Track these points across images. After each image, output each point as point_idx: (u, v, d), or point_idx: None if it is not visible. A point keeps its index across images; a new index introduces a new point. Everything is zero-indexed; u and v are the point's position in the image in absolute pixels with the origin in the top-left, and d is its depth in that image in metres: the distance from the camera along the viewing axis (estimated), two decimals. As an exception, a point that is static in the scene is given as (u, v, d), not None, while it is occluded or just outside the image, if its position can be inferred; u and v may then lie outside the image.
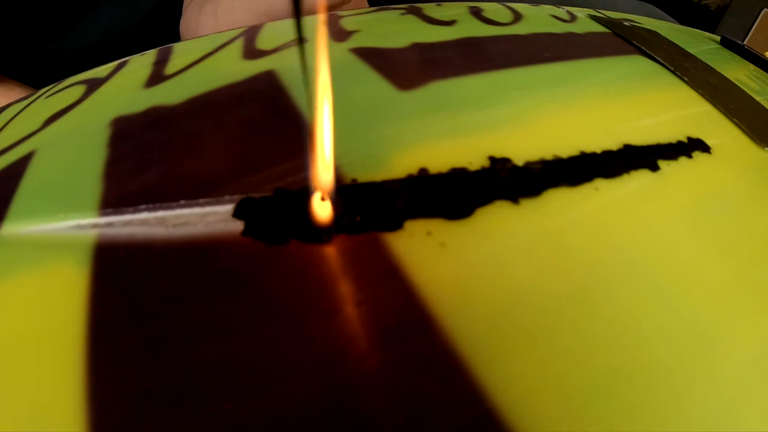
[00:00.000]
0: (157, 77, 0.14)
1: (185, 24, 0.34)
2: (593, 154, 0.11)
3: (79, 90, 0.15)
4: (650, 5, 0.52)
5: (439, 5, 0.18)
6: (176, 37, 0.36)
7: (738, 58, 0.19)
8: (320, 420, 0.07)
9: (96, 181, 0.10)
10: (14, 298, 0.09)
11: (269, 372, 0.07)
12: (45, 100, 0.15)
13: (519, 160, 0.10)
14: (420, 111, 0.11)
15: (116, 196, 0.10)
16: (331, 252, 0.08)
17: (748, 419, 0.08)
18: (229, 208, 0.09)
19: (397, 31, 0.15)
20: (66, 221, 0.10)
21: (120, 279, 0.08)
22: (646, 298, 0.09)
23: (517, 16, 0.17)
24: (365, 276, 0.08)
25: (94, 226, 0.09)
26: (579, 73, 0.14)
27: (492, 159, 0.10)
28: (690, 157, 0.11)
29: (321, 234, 0.09)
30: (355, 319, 0.08)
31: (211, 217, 0.09)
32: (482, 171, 0.10)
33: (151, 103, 0.12)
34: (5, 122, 0.15)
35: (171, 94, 0.13)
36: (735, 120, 0.13)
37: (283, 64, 0.13)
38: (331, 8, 0.29)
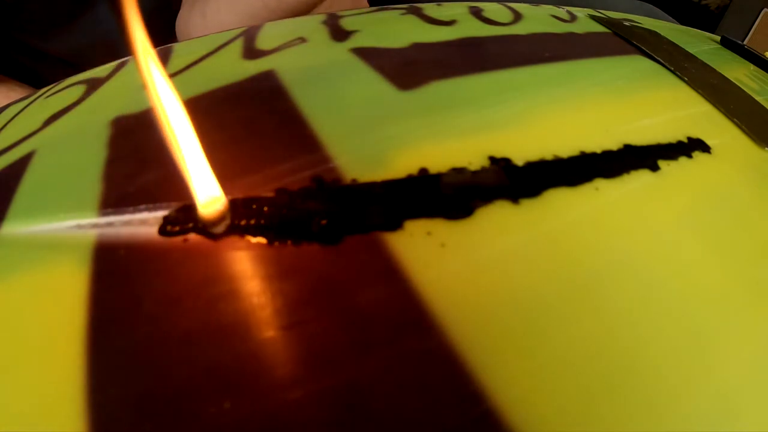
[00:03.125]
0: (157, 77, 0.14)
1: (179, 23, 0.34)
2: (593, 154, 0.11)
3: (79, 90, 0.15)
4: (650, 5, 0.52)
5: (439, 5, 0.18)
6: (176, 37, 0.36)
7: (738, 58, 0.19)
8: (320, 419, 0.07)
9: (96, 181, 0.10)
10: (14, 298, 0.09)
11: (269, 372, 0.07)
12: (45, 100, 0.15)
13: (519, 160, 0.10)
14: (420, 111, 0.11)
15: (116, 196, 0.10)
16: (330, 252, 0.08)
17: (747, 419, 0.08)
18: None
19: (397, 31, 0.15)
20: (66, 221, 0.09)
21: (120, 279, 0.08)
22: (646, 297, 0.09)
23: (517, 16, 0.17)
24: (365, 276, 0.08)
25: (94, 226, 0.09)
26: (579, 73, 0.14)
27: (492, 159, 0.10)
28: (690, 157, 0.11)
29: (320, 234, 0.09)
30: (355, 319, 0.08)
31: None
32: (482, 171, 0.10)
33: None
34: (5, 122, 0.15)
35: (171, 94, 0.13)
36: (735, 120, 0.13)
37: (283, 64, 0.13)
38: (308, 9, 0.29)
